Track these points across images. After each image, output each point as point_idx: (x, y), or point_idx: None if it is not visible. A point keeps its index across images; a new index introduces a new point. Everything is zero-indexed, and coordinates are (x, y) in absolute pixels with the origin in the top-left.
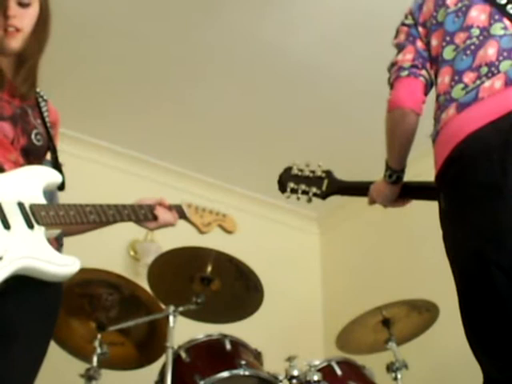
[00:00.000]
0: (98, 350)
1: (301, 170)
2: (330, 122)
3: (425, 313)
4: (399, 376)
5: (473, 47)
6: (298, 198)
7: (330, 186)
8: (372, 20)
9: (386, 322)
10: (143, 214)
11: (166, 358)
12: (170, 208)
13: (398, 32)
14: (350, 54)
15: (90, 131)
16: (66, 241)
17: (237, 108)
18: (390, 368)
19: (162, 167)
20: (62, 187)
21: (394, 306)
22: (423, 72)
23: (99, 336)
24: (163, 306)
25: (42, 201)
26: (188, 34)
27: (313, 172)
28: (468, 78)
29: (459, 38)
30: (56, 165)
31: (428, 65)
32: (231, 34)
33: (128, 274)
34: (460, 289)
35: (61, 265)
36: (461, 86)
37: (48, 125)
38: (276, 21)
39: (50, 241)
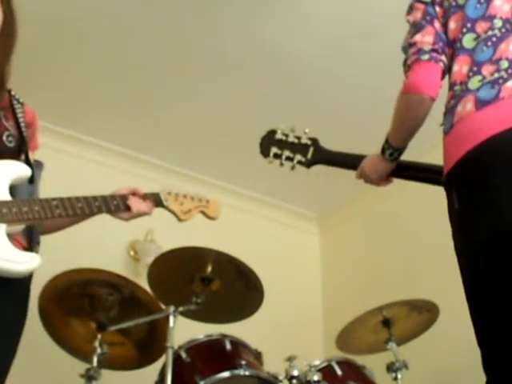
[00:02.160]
0: (98, 350)
1: (285, 135)
2: (330, 122)
3: (425, 313)
4: (399, 376)
5: (494, 39)
6: (282, 164)
7: (316, 155)
8: (372, 20)
9: (386, 322)
10: (115, 205)
11: (166, 358)
12: (144, 197)
13: (412, 8)
14: (350, 53)
15: (90, 131)
16: (66, 241)
17: (237, 108)
18: (390, 368)
19: (162, 167)
20: (31, 180)
21: (394, 306)
22: (443, 57)
23: (99, 336)
24: (163, 306)
25: (7, 197)
26: (187, 34)
27: (298, 138)
28: (487, 70)
29: (481, 26)
30: (28, 163)
31: (446, 50)
32: (231, 34)
33: (128, 274)
34: (469, 285)
35: (19, 262)
36: (479, 77)
37: (22, 125)
38: (276, 20)
39: (12, 238)
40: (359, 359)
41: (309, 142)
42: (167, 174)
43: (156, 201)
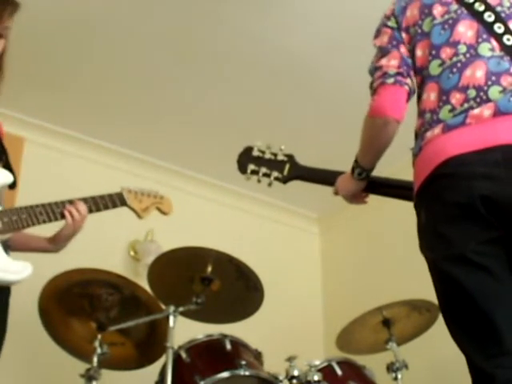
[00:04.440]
0: (98, 350)
1: (262, 152)
2: (328, 123)
3: (425, 313)
4: (399, 376)
5: (459, 65)
6: (259, 181)
7: (292, 171)
8: (370, 19)
9: (387, 322)
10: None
11: (167, 358)
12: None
13: (379, 32)
14: (349, 55)
15: (90, 131)
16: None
17: (236, 108)
18: (391, 368)
19: (162, 167)
20: (13, 185)
21: (394, 306)
22: (408, 80)
23: (99, 336)
24: (163, 306)
25: None
26: (187, 35)
27: (274, 155)
28: (455, 98)
29: (445, 52)
30: (9, 168)
31: (412, 73)
32: (228, 34)
33: (128, 274)
34: (439, 293)
35: (14, 272)
36: (448, 107)
37: None
38: (276, 21)
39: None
40: (359, 359)
41: (285, 159)
42: (167, 173)
43: (120, 200)
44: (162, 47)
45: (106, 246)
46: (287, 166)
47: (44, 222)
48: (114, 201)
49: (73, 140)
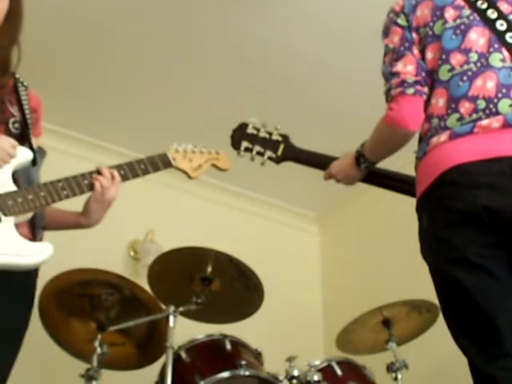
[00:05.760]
0: (98, 350)
1: (257, 130)
2: (330, 121)
3: (425, 313)
4: (399, 376)
5: (470, 73)
6: (252, 159)
7: (286, 152)
8: (374, 18)
9: (386, 322)
10: (122, 175)
11: (166, 358)
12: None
13: (388, 30)
14: (352, 52)
15: (90, 131)
16: (66, 241)
17: (237, 108)
18: (390, 368)
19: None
20: (34, 163)
21: (394, 306)
22: (426, 89)
23: (99, 336)
24: (163, 306)
25: (11, 187)
26: (188, 35)
27: (269, 134)
28: (464, 108)
29: (456, 58)
30: (31, 148)
31: (428, 79)
32: (232, 34)
33: (128, 274)
34: (441, 296)
35: (28, 255)
36: (457, 116)
37: (26, 108)
38: (277, 19)
39: (20, 229)
40: (359, 359)
41: (280, 139)
42: (167, 174)
43: (163, 162)
44: (166, 49)
45: (106, 246)
46: (281, 147)
47: (67, 197)
48: (156, 163)
49: (73, 140)
